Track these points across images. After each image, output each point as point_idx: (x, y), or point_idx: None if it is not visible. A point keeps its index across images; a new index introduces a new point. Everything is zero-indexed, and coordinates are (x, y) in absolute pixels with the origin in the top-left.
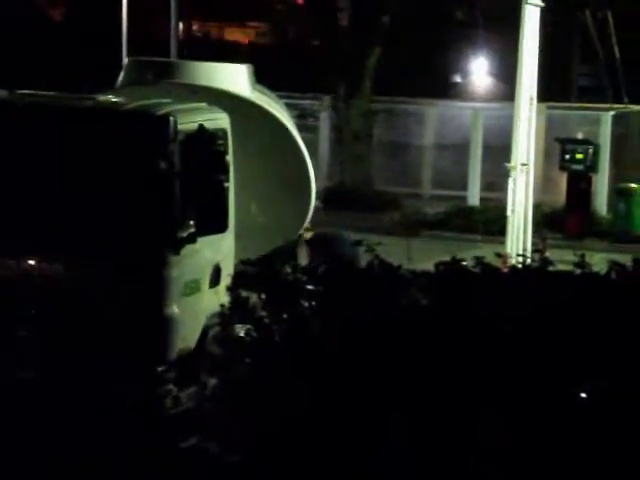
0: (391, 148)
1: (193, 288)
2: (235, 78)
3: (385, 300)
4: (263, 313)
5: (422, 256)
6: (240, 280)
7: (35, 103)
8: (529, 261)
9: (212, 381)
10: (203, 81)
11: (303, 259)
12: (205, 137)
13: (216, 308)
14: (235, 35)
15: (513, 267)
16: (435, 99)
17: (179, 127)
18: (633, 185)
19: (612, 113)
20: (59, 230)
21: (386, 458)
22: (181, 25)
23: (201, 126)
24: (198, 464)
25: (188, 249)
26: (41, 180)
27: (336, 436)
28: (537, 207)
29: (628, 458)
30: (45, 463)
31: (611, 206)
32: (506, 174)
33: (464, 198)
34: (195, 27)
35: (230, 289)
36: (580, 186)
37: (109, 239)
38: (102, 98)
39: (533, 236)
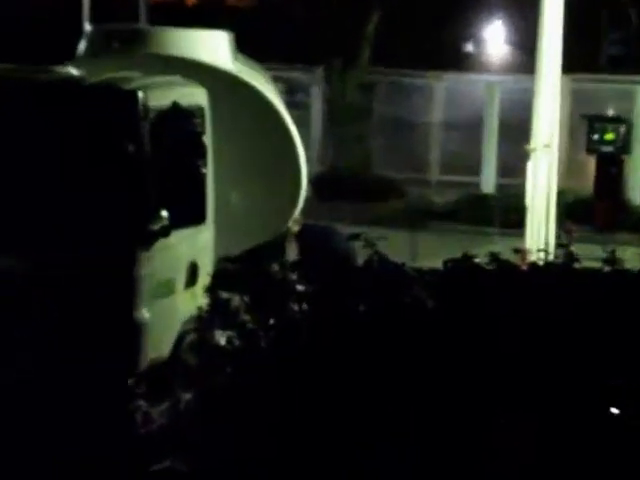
0: (393, 127)
1: (166, 289)
2: (214, 47)
3: (386, 303)
4: (247, 317)
5: (429, 252)
6: (220, 280)
7: None
8: (552, 257)
9: (188, 395)
10: (177, 51)
11: (292, 255)
12: (180, 115)
13: (193, 312)
14: None
15: (533, 264)
16: (444, 71)
17: (149, 104)
18: None
19: None
20: (10, 223)
21: None
22: None
23: (175, 103)
24: None
25: (160, 244)
26: None
27: (332, 455)
28: (561, 195)
29: None
30: None
31: None
32: (526, 157)
33: (477, 185)
34: None
35: (209, 290)
36: (610, 170)
37: (68, 233)
38: (60, 70)
39: (556, 228)
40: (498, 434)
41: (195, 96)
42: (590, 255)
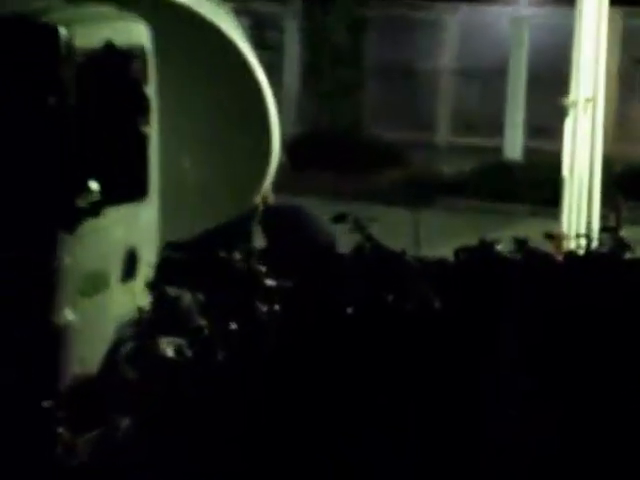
0: (391, 75)
1: (96, 284)
2: None
3: (380, 304)
4: (201, 321)
5: (436, 237)
6: (167, 272)
7: None
8: (596, 244)
9: (125, 421)
10: None
11: (260, 241)
12: (114, 59)
13: (131, 313)
14: None
15: (571, 253)
16: (457, 2)
17: (75, 43)
18: None
19: None
20: None
21: None
22: None
23: (108, 42)
24: None
25: (89, 225)
26: None
27: None
28: (608, 162)
29: None
30: None
31: None
32: (562, 114)
33: (499, 149)
34: None
35: (152, 285)
36: None
37: None
38: None
39: (602, 206)
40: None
41: (135, 34)
42: None
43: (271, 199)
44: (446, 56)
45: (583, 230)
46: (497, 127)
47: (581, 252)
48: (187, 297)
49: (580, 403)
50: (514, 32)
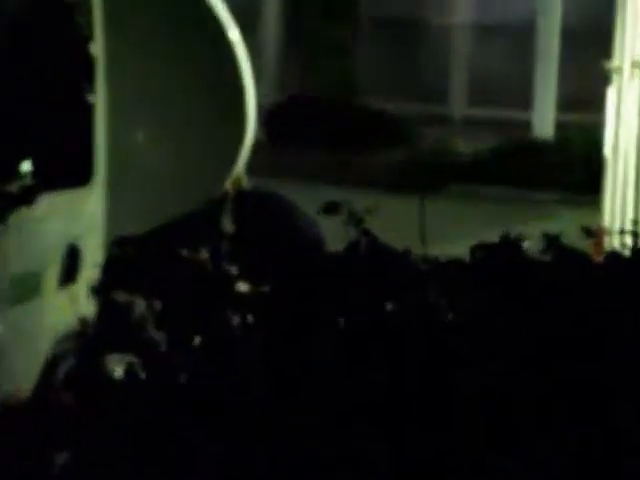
0: (392, 31)
1: (28, 288)
2: None
3: (379, 316)
4: (158, 334)
5: (448, 231)
6: (116, 273)
7: None
8: None
9: (62, 455)
10: None
11: (230, 236)
12: (51, 8)
13: (72, 324)
14: None
15: (614, 254)
16: None
17: None
18: None
19: None
20: None
21: None
22: None
23: None
24: None
25: (18, 217)
26: None
27: None
28: None
29: None
30: None
31: None
32: (604, 81)
33: (526, 124)
34: None
35: (97, 289)
36: None
37: None
38: None
39: None
40: None
41: None
42: None
43: (244, 183)
44: (461, 6)
45: (629, 224)
46: (523, 97)
47: (626, 252)
48: (140, 304)
49: (628, 431)
50: None
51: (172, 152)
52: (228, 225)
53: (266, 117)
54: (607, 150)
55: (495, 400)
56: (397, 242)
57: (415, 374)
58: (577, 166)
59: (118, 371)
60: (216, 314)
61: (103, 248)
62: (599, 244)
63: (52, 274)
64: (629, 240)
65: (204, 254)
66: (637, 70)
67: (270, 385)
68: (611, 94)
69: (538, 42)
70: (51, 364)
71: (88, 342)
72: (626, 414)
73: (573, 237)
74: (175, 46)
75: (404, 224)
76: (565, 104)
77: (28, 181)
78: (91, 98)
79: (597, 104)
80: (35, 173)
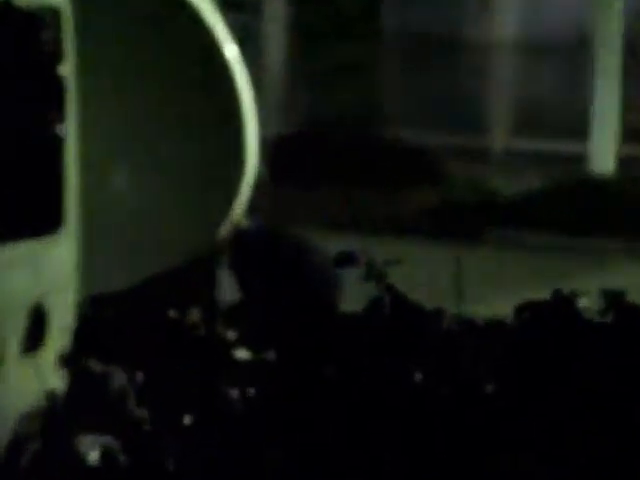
0: (420, 50)
1: None
2: None
3: (405, 386)
4: (140, 411)
5: (488, 287)
6: (90, 338)
7: None
8: None
9: None
10: None
11: (228, 291)
12: (17, 25)
13: (37, 399)
14: None
15: None
16: None
17: None
18: None
19: None
20: None
21: None
22: None
23: (7, 3)
24: None
25: None
26: None
27: None
28: None
29: None
30: None
31: None
32: None
33: (581, 158)
34: None
35: (68, 358)
36: None
37: None
38: None
39: None
40: None
41: None
42: None
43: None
44: (502, 19)
45: None
46: (578, 125)
47: None
48: (119, 376)
49: None
50: None
51: (158, 194)
52: (226, 278)
53: (270, 150)
54: None
55: None
56: (427, 299)
57: (448, 453)
58: None
59: (93, 455)
60: (211, 387)
61: (74, 308)
62: None
63: (12, 339)
64: None
65: (195, 314)
66: None
67: (271, 471)
68: None
69: (595, 61)
70: (13, 448)
71: (57, 421)
72: None
73: None
74: (163, 69)
75: (435, 278)
76: (629, 134)
77: None
78: (60, 130)
79: None
80: None
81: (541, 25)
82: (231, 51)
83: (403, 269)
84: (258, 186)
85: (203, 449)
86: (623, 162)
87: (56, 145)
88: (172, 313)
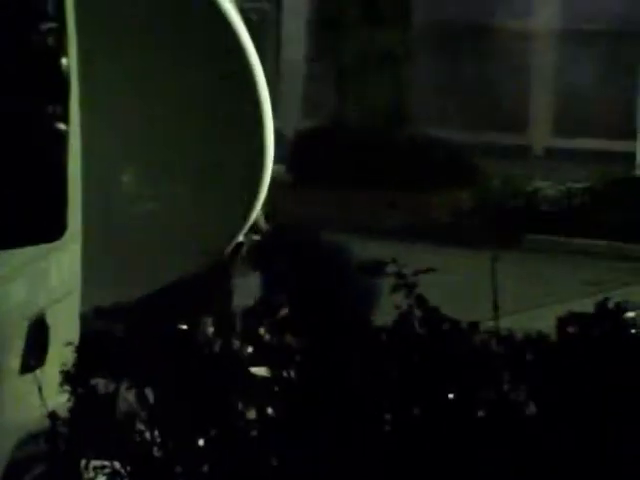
0: (455, 41)
1: None
2: None
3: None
4: (151, 432)
5: (527, 296)
6: (95, 354)
7: None
8: None
9: None
10: None
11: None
12: (10, 15)
13: (39, 419)
14: None
15: None
16: None
17: None
18: None
19: None
20: None
21: None
22: None
23: None
24: None
25: None
26: None
27: None
28: None
29: None
30: None
31: None
32: None
33: (629, 158)
34: None
35: (71, 375)
36: None
37: None
38: None
39: None
40: None
41: None
42: None
43: (264, 231)
44: (544, 11)
45: None
46: (626, 123)
47: None
48: (127, 395)
49: None
50: None
51: (167, 198)
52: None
53: (290, 149)
54: None
55: None
56: (460, 311)
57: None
58: None
59: None
60: (224, 407)
61: (78, 321)
62: None
63: (11, 356)
64: None
65: (209, 328)
66: None
67: None
68: None
69: None
70: (12, 472)
71: (60, 444)
72: None
73: None
74: (173, 61)
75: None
76: None
77: None
78: (62, 128)
79: None
80: None
81: (587, 11)
82: (247, 43)
83: (436, 278)
84: (274, 186)
85: (216, 472)
86: None
87: (57, 143)
88: (183, 326)
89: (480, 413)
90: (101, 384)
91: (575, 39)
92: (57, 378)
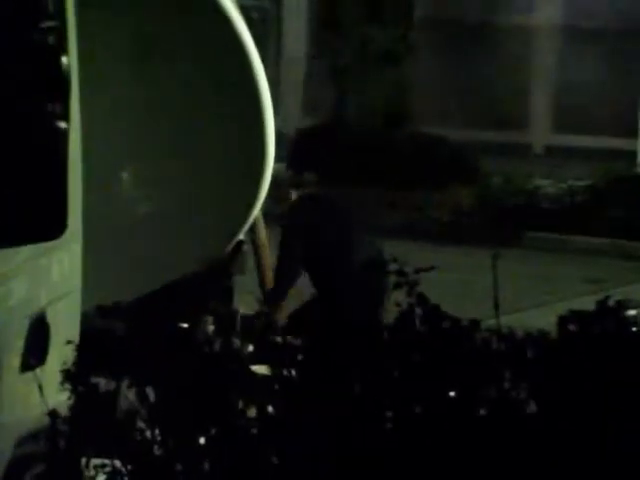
0: (456, 37)
1: None
2: None
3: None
4: (151, 431)
5: (527, 294)
6: (96, 352)
7: None
8: None
9: None
10: None
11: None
12: (9, 11)
13: (39, 417)
14: None
15: None
16: None
17: None
18: None
19: None
20: None
21: None
22: None
23: None
24: None
25: None
26: None
27: None
28: None
29: None
30: None
31: None
32: None
33: (632, 155)
34: None
35: (72, 373)
36: None
37: None
38: None
39: None
40: None
41: None
42: None
43: (262, 234)
44: (545, 7)
45: None
46: (629, 121)
47: None
48: (127, 393)
49: None
50: None
51: (168, 196)
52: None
53: (290, 148)
54: None
55: None
56: (460, 309)
57: None
58: None
59: (100, 478)
60: (225, 407)
61: (79, 320)
62: None
63: (12, 354)
64: None
65: (209, 326)
66: None
67: None
68: None
69: None
70: (12, 471)
71: (60, 442)
72: None
73: None
74: (173, 58)
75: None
76: None
77: None
78: (62, 126)
79: None
80: None
81: (589, 6)
82: (247, 40)
83: (436, 276)
84: (275, 185)
85: (219, 472)
86: None
87: (58, 141)
88: (184, 324)
89: (481, 411)
90: (102, 382)
91: (576, 36)
92: (57, 376)
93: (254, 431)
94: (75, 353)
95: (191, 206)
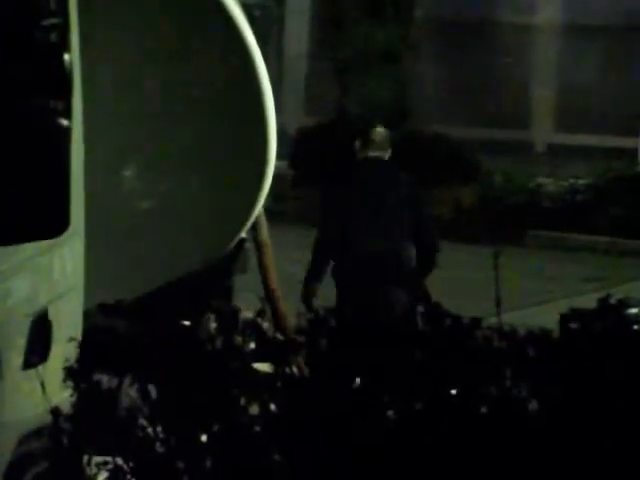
0: (458, 36)
1: None
2: None
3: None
4: (154, 429)
5: (530, 292)
6: (99, 350)
7: None
8: None
9: None
10: None
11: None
12: (10, 9)
13: (41, 416)
14: None
15: None
16: None
17: None
18: None
19: None
20: None
21: None
22: None
23: None
24: None
25: None
26: None
27: None
28: None
29: None
30: None
31: None
32: None
33: (633, 153)
34: None
35: (74, 371)
36: None
37: None
38: None
39: None
40: None
41: None
42: None
43: (265, 233)
44: (547, 6)
45: None
46: (629, 119)
47: None
48: (130, 391)
49: None
50: None
51: (170, 195)
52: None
53: (292, 147)
54: None
55: None
56: (463, 307)
57: None
58: None
59: (101, 477)
60: (227, 405)
61: (81, 317)
62: None
63: (13, 352)
64: None
65: (211, 324)
66: None
67: None
68: None
69: None
70: (15, 468)
71: (62, 440)
72: None
73: None
74: (176, 57)
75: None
76: None
77: None
78: (65, 123)
79: None
80: None
81: (590, 4)
82: (250, 39)
83: (439, 274)
84: (276, 183)
85: (220, 470)
86: None
87: (59, 138)
88: (186, 322)
89: (482, 409)
90: (104, 380)
91: (577, 35)
92: (60, 374)
93: (256, 429)
94: (77, 350)
95: (193, 205)
